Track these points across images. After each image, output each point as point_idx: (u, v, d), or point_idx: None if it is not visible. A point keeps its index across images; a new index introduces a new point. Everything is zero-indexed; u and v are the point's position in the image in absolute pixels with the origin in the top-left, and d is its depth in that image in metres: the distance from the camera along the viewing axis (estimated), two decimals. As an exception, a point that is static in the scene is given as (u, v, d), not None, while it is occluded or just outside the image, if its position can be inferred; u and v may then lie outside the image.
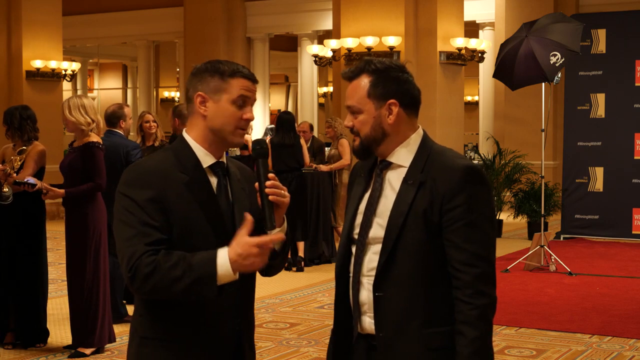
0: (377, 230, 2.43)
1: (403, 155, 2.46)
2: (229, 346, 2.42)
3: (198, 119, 2.44)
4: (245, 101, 2.43)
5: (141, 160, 2.47)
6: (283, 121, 9.67)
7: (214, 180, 2.44)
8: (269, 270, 2.56)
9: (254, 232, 2.44)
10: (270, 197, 2.38)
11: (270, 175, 2.39)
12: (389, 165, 2.48)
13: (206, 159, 2.44)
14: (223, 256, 2.25)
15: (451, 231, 2.37)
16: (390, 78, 2.45)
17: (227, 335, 2.41)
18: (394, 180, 2.46)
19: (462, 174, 2.38)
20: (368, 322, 2.45)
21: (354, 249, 2.49)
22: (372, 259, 2.43)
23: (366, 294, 2.45)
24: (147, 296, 2.34)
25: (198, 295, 2.27)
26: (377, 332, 2.42)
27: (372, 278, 2.42)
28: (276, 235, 2.31)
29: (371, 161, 2.55)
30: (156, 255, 2.27)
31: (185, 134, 2.47)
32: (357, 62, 2.51)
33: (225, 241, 2.37)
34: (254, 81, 2.46)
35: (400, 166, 2.46)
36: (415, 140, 2.48)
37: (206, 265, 2.24)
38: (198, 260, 2.25)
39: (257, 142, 2.48)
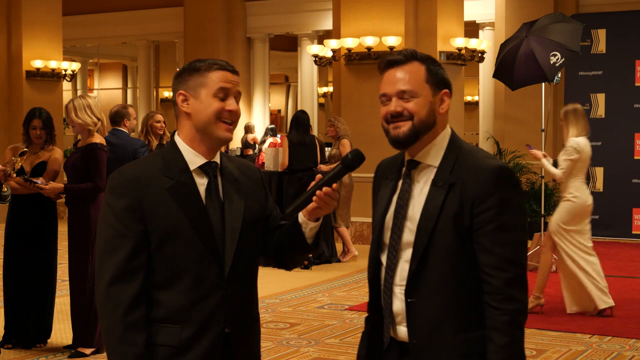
0: (409, 235, 2.35)
1: (432, 155, 2.37)
2: (214, 350, 2.36)
3: (184, 119, 2.43)
4: (226, 93, 2.40)
5: (125, 166, 2.44)
6: (302, 120, 9.72)
7: (203, 181, 2.40)
8: (294, 263, 2.57)
9: (258, 227, 2.45)
10: (314, 197, 2.36)
11: (335, 185, 2.37)
12: (417, 165, 2.39)
13: (195, 160, 2.41)
14: None
15: (481, 234, 2.29)
16: (440, 70, 2.40)
17: (211, 339, 2.35)
18: (422, 182, 2.37)
19: (493, 175, 2.29)
20: (404, 332, 2.38)
21: (384, 255, 2.41)
22: (404, 268, 2.35)
23: (399, 304, 2.36)
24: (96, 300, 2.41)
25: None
26: (410, 339, 2.35)
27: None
28: None
29: (398, 161, 2.47)
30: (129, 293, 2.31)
31: (176, 137, 2.45)
32: (400, 50, 2.42)
33: (212, 243, 2.35)
34: (233, 72, 2.42)
35: (429, 166, 2.37)
36: (444, 138, 2.39)
37: None
38: None
39: (354, 152, 2.42)
